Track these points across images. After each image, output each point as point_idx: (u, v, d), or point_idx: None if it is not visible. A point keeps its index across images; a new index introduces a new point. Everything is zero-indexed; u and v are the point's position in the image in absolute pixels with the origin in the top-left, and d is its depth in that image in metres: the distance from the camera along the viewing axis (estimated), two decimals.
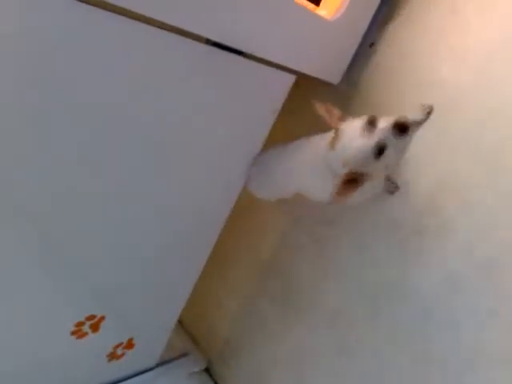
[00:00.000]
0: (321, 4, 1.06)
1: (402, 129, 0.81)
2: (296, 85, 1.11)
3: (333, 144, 0.88)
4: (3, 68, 0.65)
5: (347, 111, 1.23)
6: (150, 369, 1.50)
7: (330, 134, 0.92)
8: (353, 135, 0.84)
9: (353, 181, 0.85)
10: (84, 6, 0.67)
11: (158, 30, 0.78)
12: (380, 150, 0.81)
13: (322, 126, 1.14)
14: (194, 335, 1.76)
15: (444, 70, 1.07)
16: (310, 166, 1.00)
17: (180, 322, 1.70)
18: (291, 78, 1.08)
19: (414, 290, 1.10)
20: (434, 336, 1.07)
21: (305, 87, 1.19)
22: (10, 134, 0.72)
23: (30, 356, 1.09)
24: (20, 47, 0.65)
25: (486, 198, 0.99)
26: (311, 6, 1.04)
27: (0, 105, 0.68)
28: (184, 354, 1.64)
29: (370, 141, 0.81)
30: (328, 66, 1.15)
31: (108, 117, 0.83)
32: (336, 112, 0.90)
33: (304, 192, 1.07)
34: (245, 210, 1.48)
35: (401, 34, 1.16)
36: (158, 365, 1.52)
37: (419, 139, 1.09)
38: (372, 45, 1.20)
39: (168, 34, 0.79)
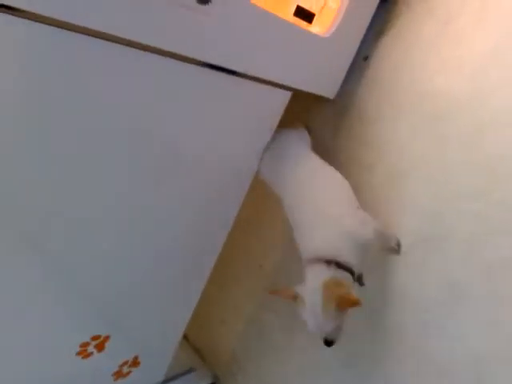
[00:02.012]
0: (313, 21, 1.08)
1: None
2: (293, 99, 1.12)
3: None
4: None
5: (343, 124, 1.26)
6: None
7: None
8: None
9: None
10: (84, 37, 0.69)
11: (154, 55, 0.79)
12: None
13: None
14: (200, 350, 1.76)
15: (437, 80, 1.08)
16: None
17: (186, 337, 1.70)
18: (287, 95, 1.10)
19: (415, 300, 1.10)
20: (436, 346, 1.06)
21: (302, 101, 1.20)
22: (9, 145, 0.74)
23: (36, 377, 1.10)
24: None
25: (483, 206, 0.99)
26: (304, 23, 1.06)
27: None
28: (190, 370, 1.64)
29: None
30: (323, 82, 1.16)
31: (112, 137, 0.85)
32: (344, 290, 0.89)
33: None
34: (246, 225, 1.49)
35: (395, 46, 1.17)
36: (165, 381, 1.52)
37: (415, 149, 1.11)
38: (366, 58, 1.22)
39: (164, 59, 0.81)
